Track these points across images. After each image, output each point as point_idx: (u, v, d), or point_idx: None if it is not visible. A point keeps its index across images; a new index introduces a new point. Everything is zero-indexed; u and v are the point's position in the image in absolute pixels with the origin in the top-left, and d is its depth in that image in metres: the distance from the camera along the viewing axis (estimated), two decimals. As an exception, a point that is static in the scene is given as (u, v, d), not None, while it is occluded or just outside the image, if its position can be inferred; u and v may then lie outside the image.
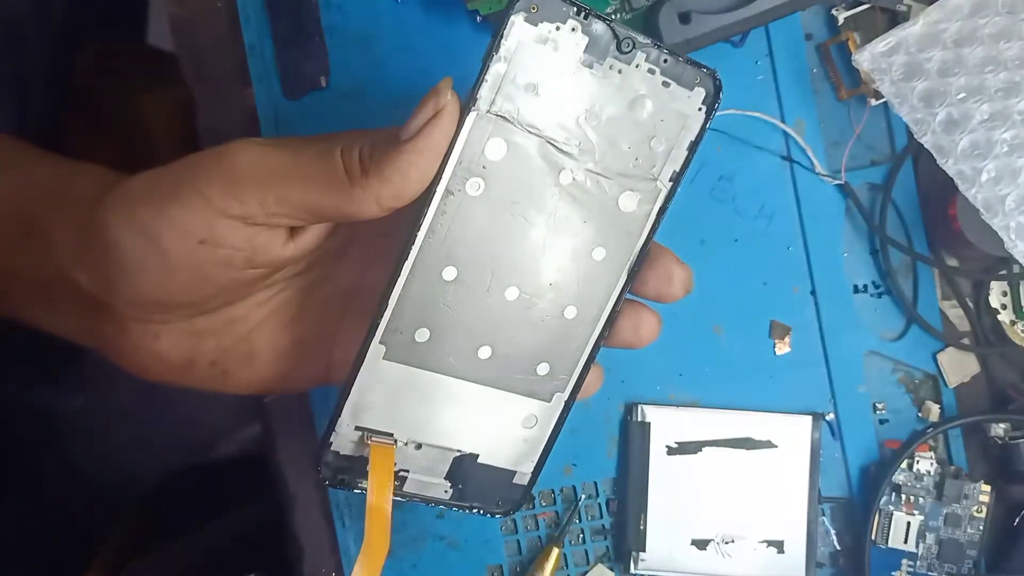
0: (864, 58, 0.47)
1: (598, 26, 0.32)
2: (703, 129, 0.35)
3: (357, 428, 0.35)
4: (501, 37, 0.31)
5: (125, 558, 0.57)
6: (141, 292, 0.33)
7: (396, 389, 0.35)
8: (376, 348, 0.34)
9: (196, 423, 0.70)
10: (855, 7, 0.50)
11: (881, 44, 0.47)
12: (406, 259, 0.33)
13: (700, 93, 0.34)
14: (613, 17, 0.32)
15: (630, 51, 0.33)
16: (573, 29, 0.32)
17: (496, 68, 0.32)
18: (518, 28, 0.31)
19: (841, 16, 0.50)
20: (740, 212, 0.51)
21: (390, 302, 0.33)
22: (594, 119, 0.33)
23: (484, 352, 0.36)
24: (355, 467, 0.36)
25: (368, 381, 0.35)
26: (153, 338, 0.35)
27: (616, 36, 0.32)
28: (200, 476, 0.69)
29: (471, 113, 0.32)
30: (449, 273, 0.34)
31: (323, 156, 0.32)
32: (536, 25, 0.32)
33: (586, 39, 0.32)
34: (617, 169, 0.34)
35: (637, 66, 0.33)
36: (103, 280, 0.33)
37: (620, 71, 0.33)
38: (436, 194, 0.32)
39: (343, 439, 0.35)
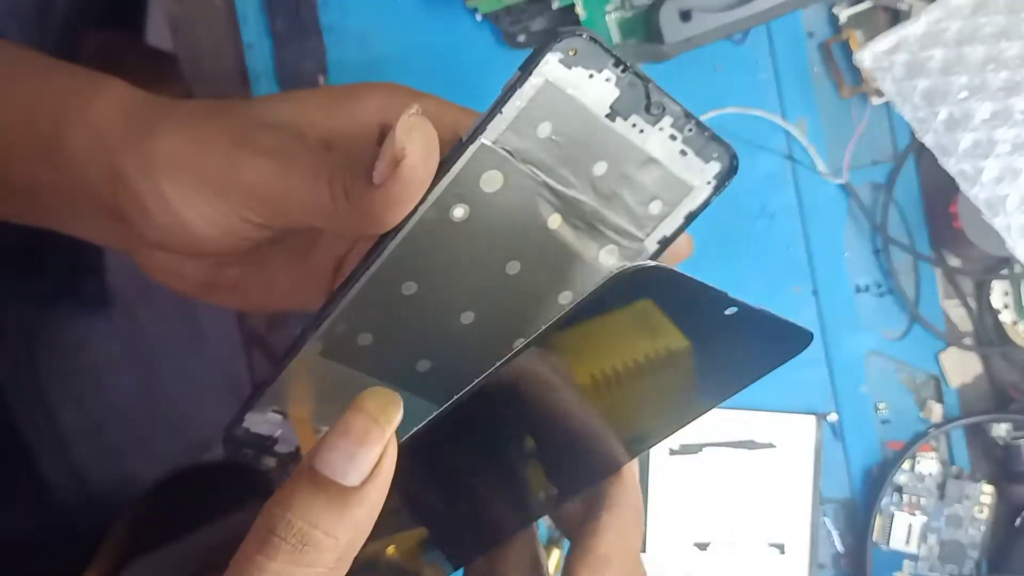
0: (866, 57, 0.47)
1: (634, 82, 0.31)
2: (706, 203, 0.34)
3: (274, 411, 0.35)
4: (530, 73, 0.29)
5: (125, 557, 0.57)
6: (167, 247, 0.35)
7: (324, 383, 0.35)
8: (314, 343, 0.33)
9: (196, 422, 0.70)
10: (857, 5, 0.50)
11: (883, 43, 0.47)
12: (368, 267, 0.32)
13: (714, 168, 0.33)
14: (651, 78, 0.31)
15: (659, 114, 0.31)
16: (607, 80, 0.30)
17: (515, 103, 0.30)
18: (550, 68, 0.30)
19: (843, 14, 0.50)
20: (741, 212, 0.51)
21: (340, 303, 0.32)
22: (600, 171, 0.32)
23: (423, 365, 0.35)
24: (261, 445, 0.36)
25: (298, 371, 0.34)
26: (176, 263, 0.36)
27: (648, 98, 0.31)
28: (200, 476, 0.69)
29: (476, 141, 0.30)
30: (408, 288, 0.33)
31: (312, 183, 0.31)
32: (570, 68, 0.30)
33: (617, 92, 0.31)
34: (608, 223, 0.33)
35: (660, 129, 0.32)
36: (131, 220, 0.35)
37: (642, 131, 0.32)
38: (418, 212, 0.31)
39: (257, 418, 0.35)
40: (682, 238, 0.36)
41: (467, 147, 0.30)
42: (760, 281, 0.51)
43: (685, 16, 0.45)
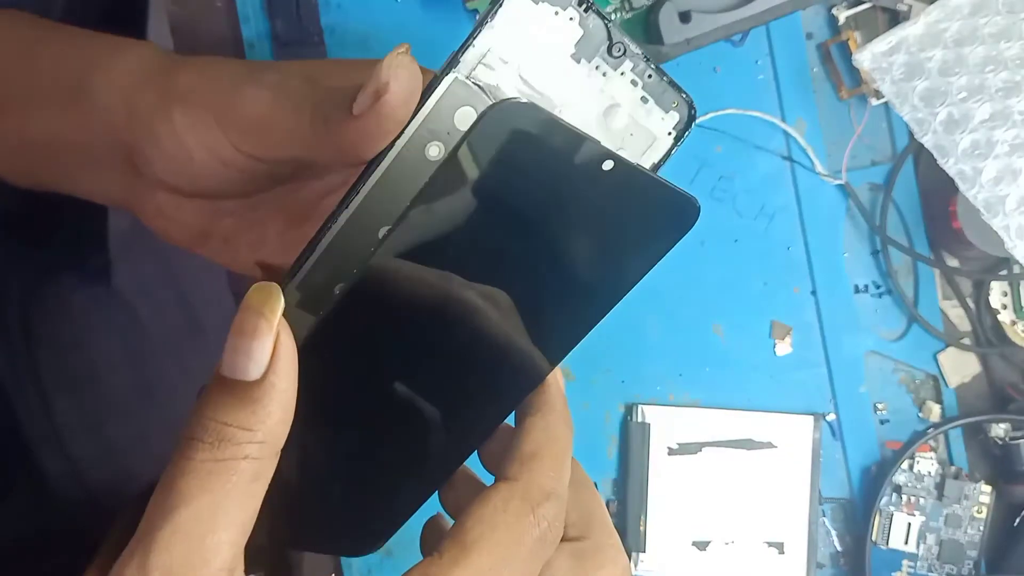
0: (865, 57, 0.47)
1: (596, 23, 0.32)
2: (667, 155, 0.34)
3: None
4: (499, 5, 0.31)
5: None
6: (171, 181, 0.37)
7: (299, 340, 0.34)
8: (291, 293, 0.32)
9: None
10: (856, 6, 0.50)
11: (882, 43, 0.47)
12: (346, 206, 0.31)
13: (673, 118, 0.33)
14: (612, 18, 0.32)
15: (620, 56, 0.32)
16: (571, 19, 0.32)
17: (485, 37, 0.31)
18: (517, 3, 0.31)
19: (842, 15, 0.50)
20: (740, 212, 0.51)
21: (317, 249, 0.32)
22: (568, 114, 0.32)
23: None
24: None
25: None
26: (176, 207, 0.38)
27: (610, 38, 0.32)
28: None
29: (450, 75, 0.31)
30: (385, 232, 0.32)
31: (297, 111, 0.32)
32: (537, 3, 0.31)
33: (581, 32, 0.32)
34: None
35: (622, 74, 0.33)
36: (141, 154, 0.36)
37: (605, 74, 0.33)
38: (392, 151, 0.31)
39: None
40: None
41: (442, 79, 0.31)
42: (759, 281, 0.51)
43: (684, 17, 0.45)
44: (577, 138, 0.28)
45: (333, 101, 0.31)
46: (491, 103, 0.28)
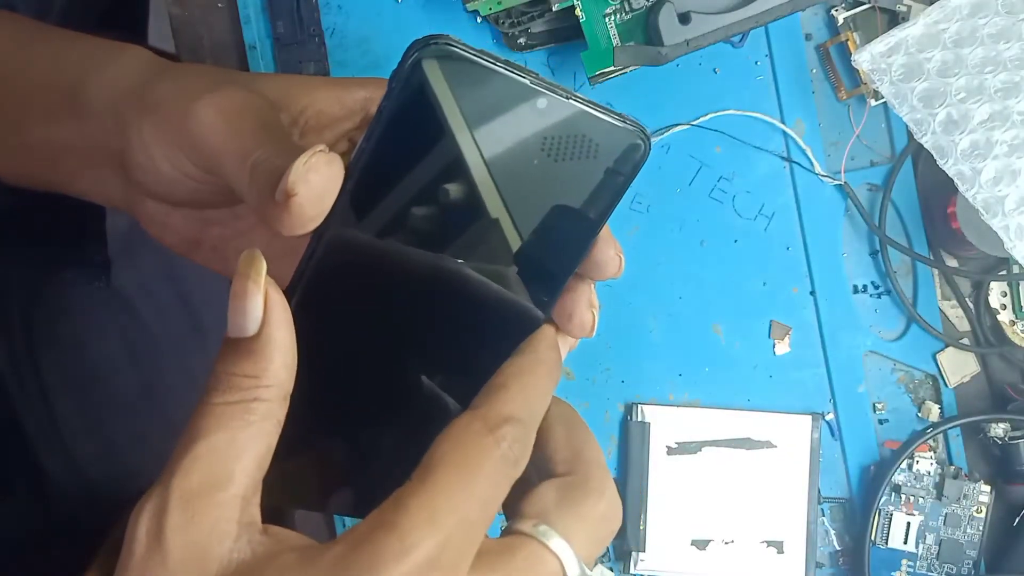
0: (864, 58, 0.47)
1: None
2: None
3: None
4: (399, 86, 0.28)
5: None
6: (152, 191, 0.38)
7: None
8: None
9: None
10: (855, 7, 0.50)
11: (881, 44, 0.47)
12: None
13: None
14: (533, 73, 0.29)
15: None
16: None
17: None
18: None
19: (841, 16, 0.50)
20: (740, 212, 0.51)
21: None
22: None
23: None
24: None
25: None
26: (165, 214, 0.39)
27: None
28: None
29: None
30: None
31: (240, 160, 0.32)
32: None
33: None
34: None
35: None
36: (126, 163, 0.37)
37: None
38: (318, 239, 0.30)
39: None
40: (611, 256, 0.33)
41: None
42: (759, 281, 0.51)
43: (684, 19, 0.45)
44: (504, 78, 0.27)
45: (267, 171, 0.31)
46: (413, 53, 0.26)
